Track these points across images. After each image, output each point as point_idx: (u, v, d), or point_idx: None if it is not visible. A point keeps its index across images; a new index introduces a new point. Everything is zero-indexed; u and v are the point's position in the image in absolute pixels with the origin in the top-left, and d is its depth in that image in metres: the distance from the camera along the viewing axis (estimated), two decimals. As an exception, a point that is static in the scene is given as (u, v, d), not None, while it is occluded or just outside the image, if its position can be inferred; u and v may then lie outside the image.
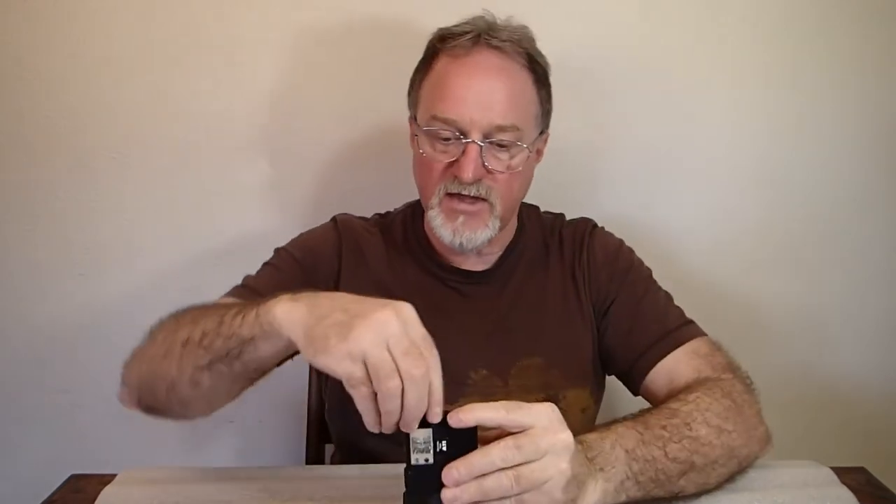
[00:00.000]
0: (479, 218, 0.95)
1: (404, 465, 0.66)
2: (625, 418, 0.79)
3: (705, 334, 0.97)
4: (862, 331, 1.44)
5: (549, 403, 0.68)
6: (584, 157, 1.35)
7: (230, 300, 0.93)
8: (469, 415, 0.65)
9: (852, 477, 0.86)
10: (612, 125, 1.34)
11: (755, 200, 1.39)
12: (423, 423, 0.65)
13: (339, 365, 0.62)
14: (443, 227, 0.96)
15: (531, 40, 0.99)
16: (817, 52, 1.33)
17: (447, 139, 0.94)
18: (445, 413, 0.65)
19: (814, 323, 1.43)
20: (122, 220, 1.34)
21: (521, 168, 0.96)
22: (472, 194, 0.94)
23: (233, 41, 1.29)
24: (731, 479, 0.82)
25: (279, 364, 0.79)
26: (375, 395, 0.63)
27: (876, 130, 1.36)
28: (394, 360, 0.62)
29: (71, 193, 1.32)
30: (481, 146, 0.93)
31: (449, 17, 1.01)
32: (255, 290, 0.95)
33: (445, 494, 0.64)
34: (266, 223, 1.35)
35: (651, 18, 1.31)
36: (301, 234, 1.07)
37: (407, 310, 0.65)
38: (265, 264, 1.03)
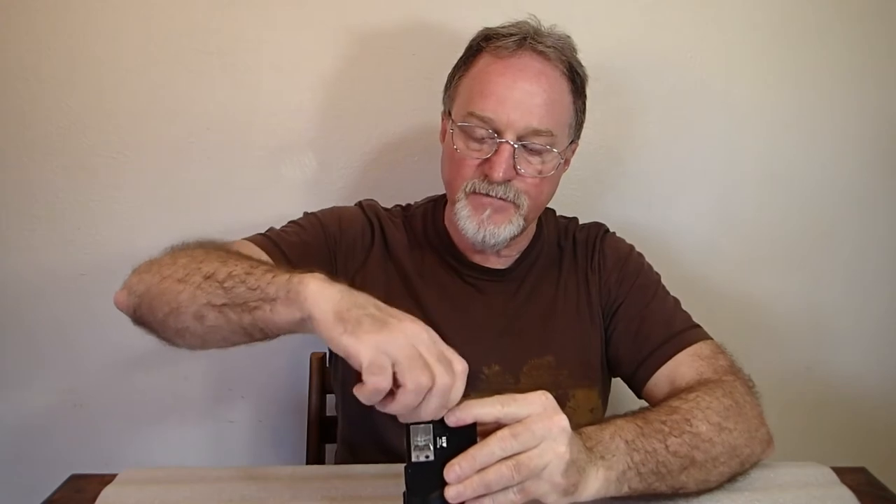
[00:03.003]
0: (505, 214, 0.96)
1: (404, 464, 0.65)
2: (624, 415, 0.79)
3: (710, 338, 0.98)
4: (862, 331, 1.44)
5: (542, 391, 0.68)
6: (585, 158, 1.35)
7: (251, 246, 0.93)
8: (466, 413, 0.65)
9: (852, 477, 0.86)
10: (611, 126, 1.34)
11: (756, 200, 1.39)
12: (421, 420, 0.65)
13: (366, 350, 0.61)
14: (468, 219, 0.96)
15: (573, 50, 0.99)
16: (818, 52, 1.33)
17: (481, 137, 0.95)
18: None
19: (814, 323, 1.43)
20: (122, 220, 1.34)
21: (551, 174, 0.97)
22: (498, 195, 0.95)
23: (233, 41, 1.29)
24: (732, 478, 0.82)
25: (281, 335, 0.76)
26: (385, 393, 0.62)
27: (876, 130, 1.36)
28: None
29: (71, 193, 1.32)
30: (514, 147, 0.93)
31: (476, 20, 1.02)
32: (275, 242, 0.96)
33: (449, 492, 0.64)
34: (266, 223, 1.35)
35: (651, 19, 1.31)
36: (332, 207, 1.07)
37: (431, 330, 0.66)
38: (291, 222, 1.04)
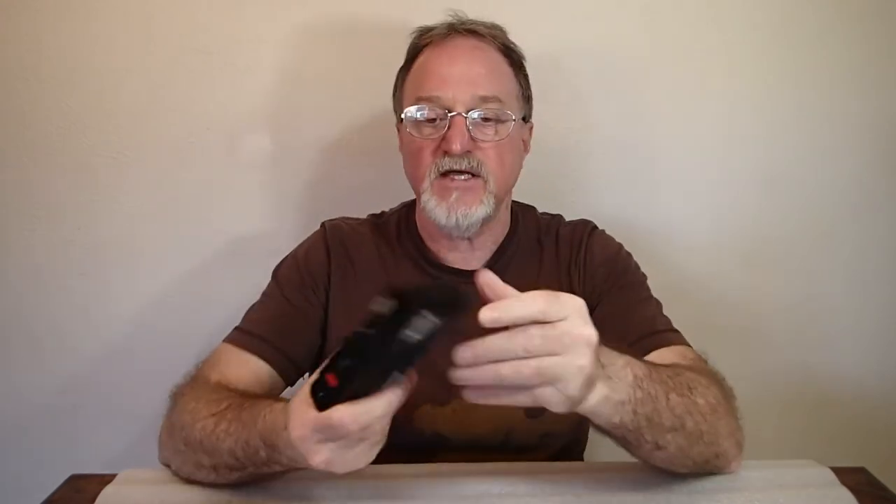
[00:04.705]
0: (474, 193, 0.95)
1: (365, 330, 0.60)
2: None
3: (690, 346, 0.96)
4: (862, 331, 1.44)
5: (578, 298, 0.64)
6: (583, 157, 1.35)
7: (232, 349, 0.95)
8: (504, 315, 0.60)
9: (852, 477, 0.86)
10: (610, 125, 1.34)
11: (755, 200, 1.38)
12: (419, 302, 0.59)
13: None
14: (437, 207, 0.96)
15: (503, 32, 1.03)
16: (818, 52, 1.33)
17: (433, 120, 0.96)
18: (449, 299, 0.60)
19: (814, 323, 1.43)
20: (122, 220, 1.34)
21: (508, 136, 0.97)
22: (463, 168, 0.95)
23: (233, 41, 1.29)
24: (704, 466, 0.81)
25: None
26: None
27: (876, 130, 1.36)
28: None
29: (71, 193, 1.32)
30: (466, 117, 0.95)
31: (443, 16, 1.03)
32: (255, 336, 0.96)
33: (458, 373, 0.61)
34: (266, 222, 1.36)
35: (651, 19, 1.31)
36: (295, 253, 1.06)
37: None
38: (265, 296, 1.03)
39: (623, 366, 0.71)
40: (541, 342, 0.61)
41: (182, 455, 0.82)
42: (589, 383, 0.65)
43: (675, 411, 0.74)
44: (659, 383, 0.74)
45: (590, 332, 0.64)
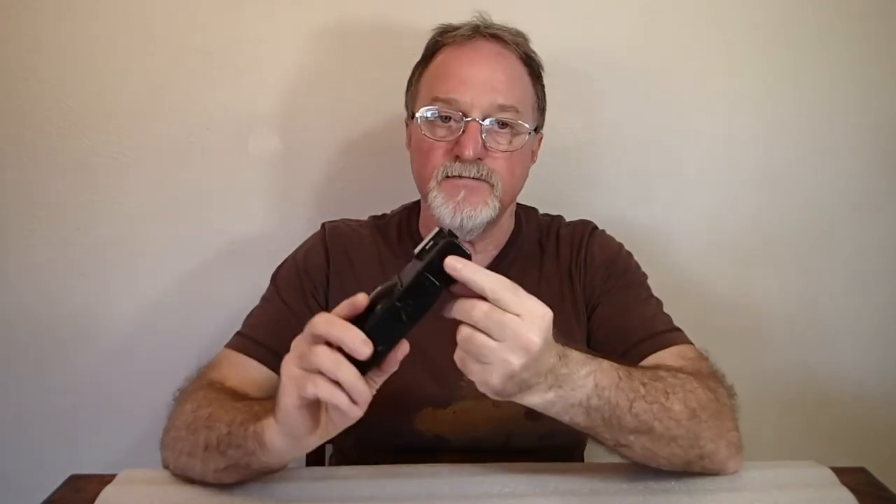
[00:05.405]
0: (480, 194, 0.95)
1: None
2: (612, 360, 0.78)
3: (692, 343, 0.96)
4: (862, 331, 1.44)
5: (547, 309, 0.67)
6: (584, 157, 1.35)
7: (238, 361, 0.94)
8: (466, 271, 0.65)
9: (852, 477, 0.86)
10: (611, 125, 1.34)
11: (754, 200, 1.38)
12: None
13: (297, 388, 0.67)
14: (444, 205, 0.95)
15: (526, 40, 1.02)
16: (818, 52, 1.33)
17: (447, 118, 0.96)
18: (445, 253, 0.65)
19: (814, 323, 1.43)
20: (122, 220, 1.34)
21: (521, 148, 0.97)
22: (472, 175, 0.94)
23: (233, 41, 1.29)
24: (686, 467, 0.81)
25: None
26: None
27: (876, 130, 1.36)
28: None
29: (71, 193, 1.32)
30: (482, 124, 0.94)
31: (449, 18, 1.03)
32: (254, 340, 0.96)
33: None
34: (266, 222, 1.36)
35: (651, 19, 1.31)
36: (294, 255, 1.06)
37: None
38: (264, 300, 1.03)
39: (585, 375, 0.72)
40: (482, 317, 0.65)
41: (181, 442, 0.82)
42: (516, 384, 0.67)
43: (640, 417, 0.75)
44: (626, 391, 0.75)
45: (534, 340, 0.66)
